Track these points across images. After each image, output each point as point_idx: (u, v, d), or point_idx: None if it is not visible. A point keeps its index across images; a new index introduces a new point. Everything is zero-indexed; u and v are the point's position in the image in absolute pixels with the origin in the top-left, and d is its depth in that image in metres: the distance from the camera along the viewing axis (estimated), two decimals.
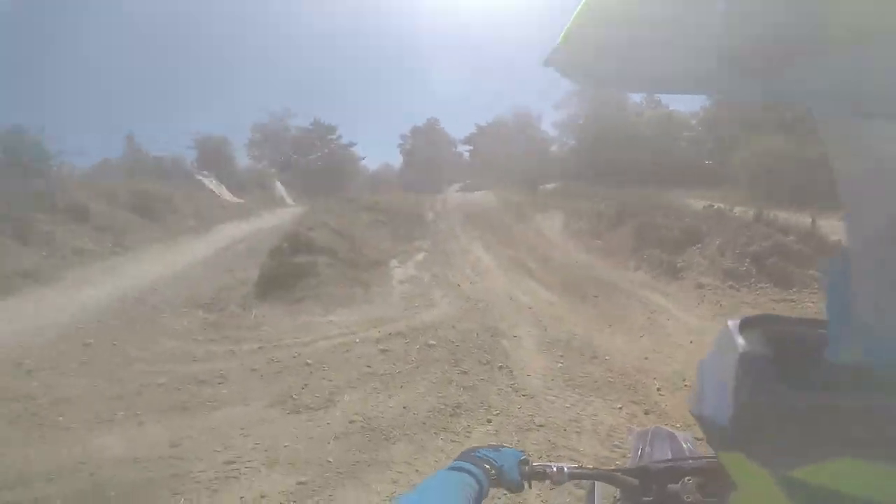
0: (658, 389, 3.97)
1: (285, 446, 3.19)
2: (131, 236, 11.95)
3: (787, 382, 0.48)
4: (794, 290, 6.69)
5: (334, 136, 39.30)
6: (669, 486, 0.77)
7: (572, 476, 0.77)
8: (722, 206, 10.08)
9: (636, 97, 31.13)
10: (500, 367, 4.45)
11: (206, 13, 47.02)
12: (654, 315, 6.03)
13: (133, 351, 5.14)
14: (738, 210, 9.79)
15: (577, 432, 3.30)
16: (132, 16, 38.97)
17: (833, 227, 8.92)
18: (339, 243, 9.35)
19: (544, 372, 4.34)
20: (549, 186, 22.25)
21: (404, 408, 3.70)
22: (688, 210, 10.02)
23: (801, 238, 8.03)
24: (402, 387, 4.08)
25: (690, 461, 0.84)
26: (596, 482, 0.85)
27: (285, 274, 7.53)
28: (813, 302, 6.26)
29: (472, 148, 39.08)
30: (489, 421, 3.50)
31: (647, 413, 3.60)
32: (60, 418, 3.63)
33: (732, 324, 0.59)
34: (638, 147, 26.49)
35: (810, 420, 0.45)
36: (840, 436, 0.43)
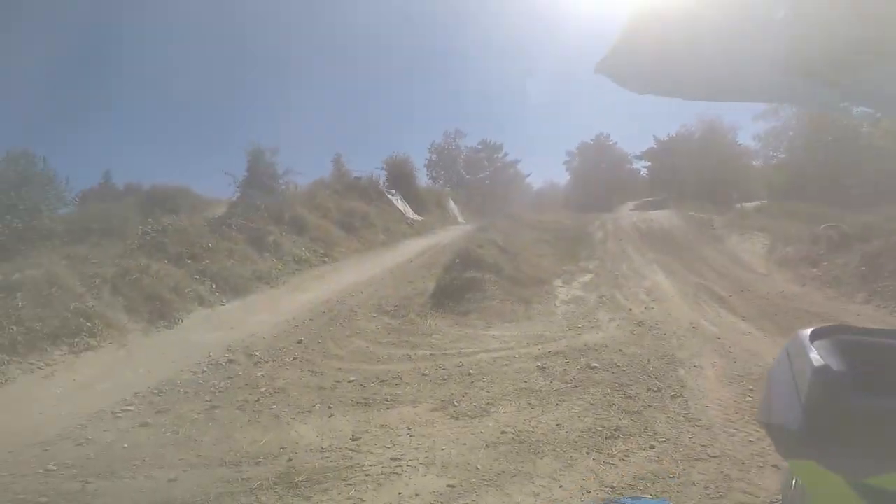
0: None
1: (442, 449, 3.44)
2: (336, 248, 14.41)
3: (861, 389, 0.47)
4: None
5: (500, 155, 40.79)
6: None
7: None
8: None
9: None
10: (673, 396, 4.16)
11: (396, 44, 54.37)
12: None
13: (333, 349, 6.14)
14: None
15: (759, 466, 2.99)
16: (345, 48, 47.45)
17: None
18: (504, 261, 9.71)
19: (727, 404, 3.97)
20: (750, 205, 19.08)
21: (557, 425, 3.69)
22: None
23: None
24: (557, 405, 4.07)
25: None
26: None
27: (456, 287, 8.19)
28: None
29: (650, 164, 35.99)
30: (652, 447, 3.32)
31: None
32: (274, 406, 4.48)
33: (804, 333, 0.59)
34: (868, 160, 21.30)
35: (886, 426, 0.45)
36: None
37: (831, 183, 20.04)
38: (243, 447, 3.66)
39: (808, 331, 0.59)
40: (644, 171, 37.21)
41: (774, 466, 1.36)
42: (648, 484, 2.88)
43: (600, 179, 34.72)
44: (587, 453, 3.28)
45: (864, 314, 6.40)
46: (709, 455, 3.19)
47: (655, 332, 6.01)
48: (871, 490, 0.45)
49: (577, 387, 4.43)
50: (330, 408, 4.35)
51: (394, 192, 25.25)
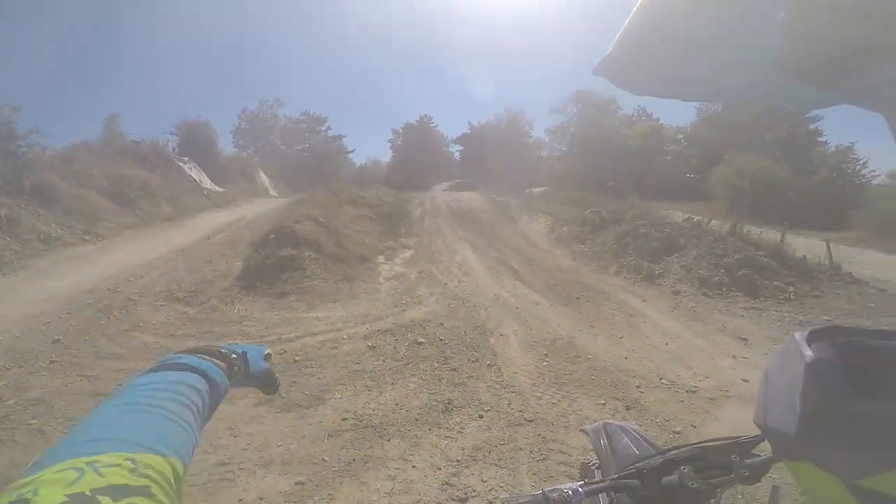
0: (637, 387, 4.18)
1: (278, 445, 3.17)
2: (103, 223, 11.67)
3: (856, 391, 0.47)
4: (761, 299, 7.01)
5: (323, 128, 38.96)
6: (664, 479, 0.81)
7: (588, 493, 0.78)
8: (700, 218, 10.44)
9: (628, 109, 31.89)
10: (489, 365, 4.52)
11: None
12: (633, 318, 6.26)
13: (109, 346, 5.00)
14: (714, 223, 10.15)
15: (564, 427, 3.40)
16: None
17: (799, 245, 9.37)
18: (325, 237, 9.33)
19: (530, 369, 4.45)
20: (537, 190, 22.54)
21: (396, 404, 3.71)
22: (668, 221, 10.32)
23: (770, 253, 8.39)
24: (392, 384, 4.09)
25: (675, 452, 0.89)
26: (601, 494, 0.88)
27: (270, 267, 7.50)
28: (777, 310, 6.61)
29: (462, 148, 39.17)
30: (480, 416, 3.54)
31: (628, 409, 3.80)
32: (33, 421, 3.49)
33: (799, 335, 0.59)
34: (626, 157, 27.32)
35: (881, 428, 0.44)
36: None
37: (598, 174, 24.97)
38: (2, 472, 2.82)
39: (805, 332, 0.59)
40: (457, 155, 40.28)
41: (582, 431, 1.64)
42: (486, 453, 3.03)
43: (420, 160, 36.29)
44: (429, 430, 3.34)
45: (616, 283, 8.13)
46: (526, 419, 3.47)
47: (468, 304, 6.55)
48: (867, 492, 0.45)
49: (408, 364, 4.51)
50: None
51: (186, 159, 21.74)
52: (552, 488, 0.76)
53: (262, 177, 29.95)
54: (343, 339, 5.23)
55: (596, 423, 1.50)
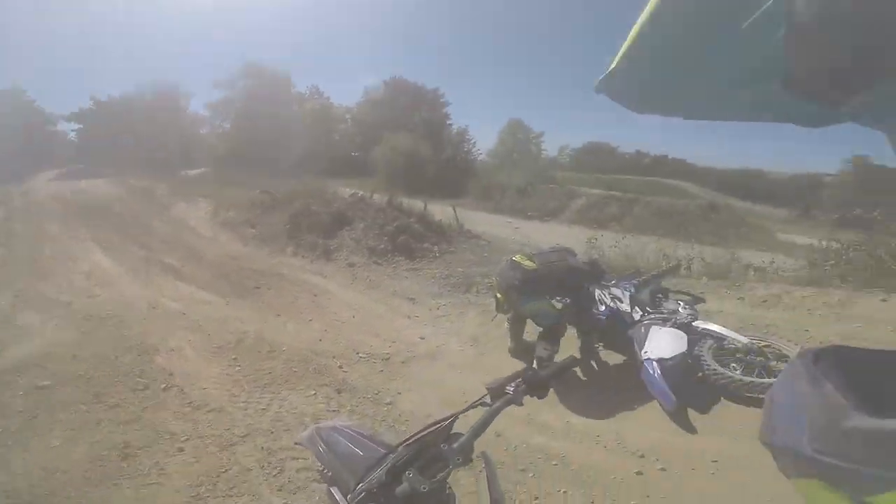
0: (340, 367, 4.14)
1: None
2: None
3: (864, 410, 0.47)
4: (417, 260, 8.23)
5: None
6: (398, 490, 0.83)
7: None
8: (364, 193, 11.36)
9: (301, 87, 31.50)
10: (166, 388, 3.73)
11: None
12: (317, 297, 6.20)
13: None
14: (376, 197, 11.28)
15: (286, 430, 3.12)
16: None
17: (437, 211, 11.61)
18: None
19: (222, 380, 3.90)
20: (193, 172, 19.57)
21: (44, 469, 2.76)
22: (337, 197, 10.75)
23: (419, 219, 9.99)
24: (23, 447, 2.98)
25: (393, 456, 0.90)
26: None
27: None
28: (430, 269, 7.81)
29: (81, 126, 29.86)
30: (181, 450, 2.96)
31: (339, 392, 3.68)
32: None
33: (806, 354, 0.60)
34: (296, 136, 27.13)
35: (890, 446, 0.44)
36: None
37: (266, 153, 23.91)
38: None
39: (810, 353, 0.60)
40: (73, 135, 30.47)
41: (298, 444, 1.43)
42: (209, 488, 2.60)
43: (6, 142, 25.38)
44: (115, 484, 2.65)
45: (294, 264, 7.85)
46: (239, 436, 3.08)
47: (111, 322, 5.06)
48: None
49: (34, 418, 3.35)
50: None
51: None
52: None
53: None
54: None
55: (308, 430, 1.45)
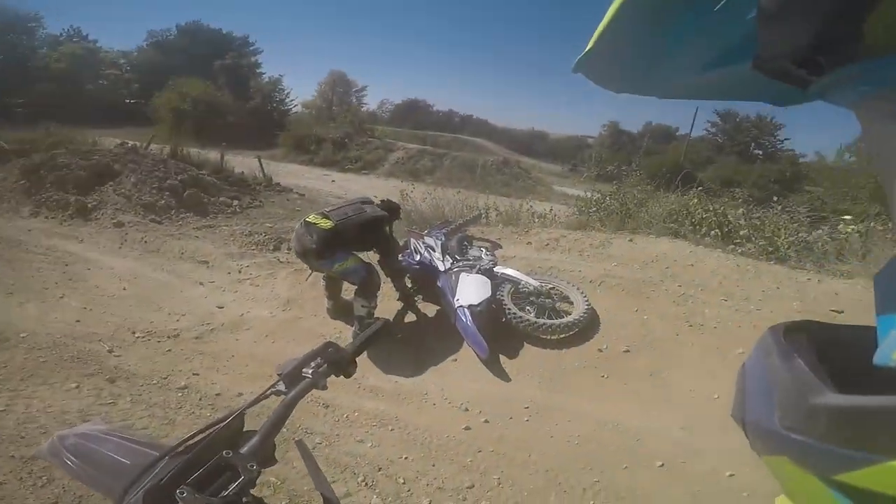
0: (110, 351, 3.46)
1: None
2: None
3: (834, 387, 0.46)
4: (211, 216, 7.47)
5: None
6: None
7: None
8: (137, 143, 9.56)
9: (54, 29, 26.08)
10: None
11: None
12: (72, 267, 5.08)
13: None
14: (154, 147, 9.63)
15: (43, 433, 2.51)
16: None
17: (238, 163, 10.55)
18: None
19: None
20: None
21: None
22: (98, 149, 8.79)
23: (214, 171, 8.99)
24: None
25: (161, 464, 0.67)
26: None
27: None
28: (227, 225, 7.19)
29: None
30: None
31: (113, 381, 3.10)
32: None
33: (775, 330, 0.59)
34: (46, 80, 22.18)
35: (857, 423, 0.43)
36: (888, 439, 0.41)
37: (9, 100, 19.01)
38: None
39: (780, 327, 0.59)
40: None
41: (38, 458, 1.00)
42: None
43: None
44: None
45: (36, 227, 6.28)
46: None
47: None
48: (843, 487, 0.43)
49: None
50: None
51: None
52: None
53: None
54: None
55: (48, 442, 1.00)
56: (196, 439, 0.73)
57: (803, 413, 0.48)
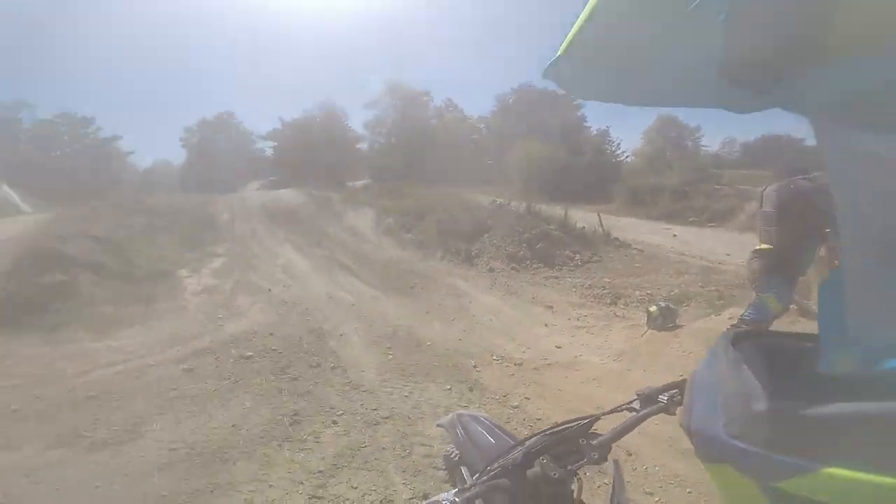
0: (475, 366, 4.34)
1: (96, 487, 2.62)
2: None
3: (778, 394, 0.46)
4: (557, 267, 8.38)
5: (89, 130, 31.89)
6: (528, 472, 0.85)
7: (464, 502, 0.80)
8: (502, 200, 11.83)
9: (436, 101, 34.02)
10: (333, 368, 4.35)
11: None
12: (460, 299, 6.74)
13: None
14: (513, 204, 11.64)
15: (420, 418, 3.38)
16: None
17: (577, 217, 11.43)
18: (107, 255, 7.70)
19: (377, 366, 4.41)
20: (359, 184, 22.42)
21: (233, 426, 3.32)
22: (477, 205, 11.39)
23: (559, 226, 10.07)
24: (223, 406, 3.65)
25: (531, 441, 0.93)
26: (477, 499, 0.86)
27: (31, 298, 5.87)
28: (570, 277, 7.91)
29: (275, 144, 36.48)
30: (335, 422, 3.37)
31: (471, 390, 3.87)
32: None
33: (725, 337, 0.58)
34: (437, 147, 29.16)
35: (798, 431, 0.44)
36: (829, 447, 0.42)
37: (414, 164, 25.96)
38: None
39: (730, 334, 0.60)
40: (270, 151, 37.42)
41: (439, 426, 1.60)
42: (349, 459, 2.88)
43: (223, 158, 32.53)
44: (279, 446, 3.06)
45: (441, 268, 8.59)
46: (382, 417, 3.40)
47: (299, 309, 6.21)
48: (781, 494, 0.44)
49: (237, 382, 4.09)
50: None
51: None
52: (429, 501, 0.78)
53: (6, 191, 23.09)
54: (149, 365, 4.47)
55: (450, 416, 1.56)
56: (561, 427, 0.95)
57: (747, 420, 0.48)
